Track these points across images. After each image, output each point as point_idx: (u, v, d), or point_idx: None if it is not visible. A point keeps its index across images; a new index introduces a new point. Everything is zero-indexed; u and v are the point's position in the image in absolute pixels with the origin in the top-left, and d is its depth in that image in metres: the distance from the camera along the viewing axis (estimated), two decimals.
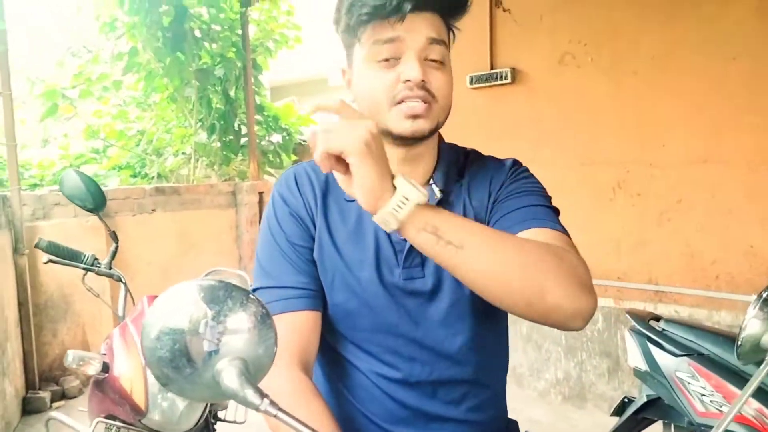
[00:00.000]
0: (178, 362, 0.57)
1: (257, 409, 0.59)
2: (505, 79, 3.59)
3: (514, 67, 3.58)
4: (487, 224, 0.98)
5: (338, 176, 0.80)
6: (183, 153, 5.37)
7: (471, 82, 3.72)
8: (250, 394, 0.58)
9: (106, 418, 1.67)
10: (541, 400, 3.59)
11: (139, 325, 1.70)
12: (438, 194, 1.00)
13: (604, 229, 3.33)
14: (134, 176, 5.75)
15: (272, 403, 0.58)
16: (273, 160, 5.76)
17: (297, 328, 0.96)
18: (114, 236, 1.91)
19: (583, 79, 3.34)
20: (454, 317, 1.01)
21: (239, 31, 5.23)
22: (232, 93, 5.34)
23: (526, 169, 1.07)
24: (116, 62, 5.00)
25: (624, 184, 3.25)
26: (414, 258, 0.99)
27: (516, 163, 1.08)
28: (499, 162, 1.08)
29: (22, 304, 3.56)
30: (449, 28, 0.98)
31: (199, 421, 1.67)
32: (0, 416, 3.00)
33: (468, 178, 1.05)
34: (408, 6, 0.87)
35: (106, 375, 1.68)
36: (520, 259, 0.80)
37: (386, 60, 0.91)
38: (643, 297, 3.24)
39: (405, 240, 0.94)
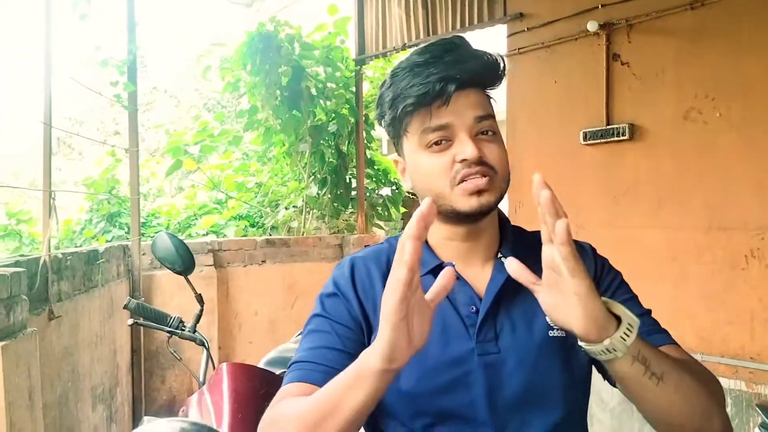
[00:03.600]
0: None
1: None
2: (623, 135, 3.35)
3: (633, 123, 3.33)
4: None
5: (548, 302, 0.79)
6: (294, 206, 5.52)
7: (585, 138, 3.52)
8: None
9: None
10: None
11: (215, 392, 1.67)
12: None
13: (735, 302, 2.95)
14: (252, 226, 5.98)
15: None
16: (382, 213, 5.77)
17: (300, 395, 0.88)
18: (200, 299, 1.92)
19: (711, 136, 3.03)
20: (534, 398, 0.92)
21: (353, 89, 5.36)
22: (344, 148, 5.45)
23: (607, 260, 1.06)
24: (238, 119, 5.28)
25: (759, 252, 2.88)
26: (488, 332, 0.94)
27: (595, 249, 1.07)
28: (578, 245, 1.01)
29: (135, 351, 3.73)
30: (489, 95, 0.99)
31: None
32: None
33: None
34: (452, 87, 0.89)
35: None
36: (698, 388, 0.82)
37: (438, 144, 0.93)
38: None
39: (476, 313, 0.95)
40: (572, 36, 3.60)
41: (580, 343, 0.78)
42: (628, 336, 0.75)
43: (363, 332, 0.97)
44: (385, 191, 5.84)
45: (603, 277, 1.01)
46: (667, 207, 3.19)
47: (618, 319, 0.77)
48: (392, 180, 5.91)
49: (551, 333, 0.95)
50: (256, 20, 5.15)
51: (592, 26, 3.42)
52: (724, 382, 3.00)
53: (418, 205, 0.95)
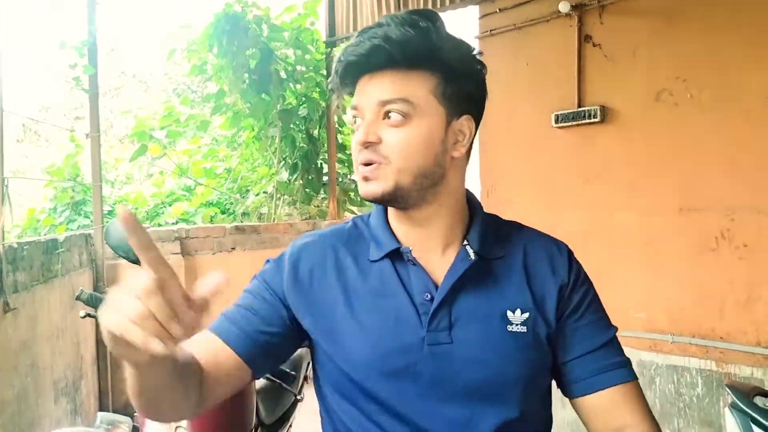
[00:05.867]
0: None
1: None
2: (594, 117, 3.31)
3: (604, 105, 3.31)
4: (555, 323, 0.94)
5: None
6: (265, 192, 5.42)
7: (557, 121, 3.48)
8: None
9: None
10: None
11: None
12: (472, 256, 0.92)
13: (705, 284, 2.96)
14: (223, 213, 5.87)
15: None
16: (354, 198, 5.70)
17: (209, 344, 0.91)
18: None
19: (682, 118, 3.02)
20: (485, 393, 0.89)
21: (324, 72, 5.25)
22: (315, 132, 5.36)
23: (582, 266, 1.01)
24: (205, 103, 5.16)
25: (729, 234, 2.88)
26: (441, 320, 0.90)
27: (571, 252, 1.01)
28: (554, 244, 1.01)
29: (100, 342, 3.62)
30: (447, 77, 0.91)
31: None
32: None
33: (519, 255, 0.97)
34: (352, 69, 0.90)
35: None
36: None
37: (354, 123, 0.92)
38: (751, 361, 2.84)
39: (430, 301, 0.91)
40: (544, 17, 3.55)
41: None
42: None
43: (285, 308, 0.96)
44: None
45: (575, 289, 0.97)
46: (640, 189, 3.18)
47: None
48: None
49: (510, 328, 0.92)
50: (225, 2, 5.01)
51: (564, 7, 3.37)
52: (695, 362, 3.01)
53: None
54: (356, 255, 0.98)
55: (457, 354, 0.89)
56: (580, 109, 3.39)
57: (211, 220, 5.39)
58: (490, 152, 3.84)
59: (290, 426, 2.36)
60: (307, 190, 5.40)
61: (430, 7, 4.22)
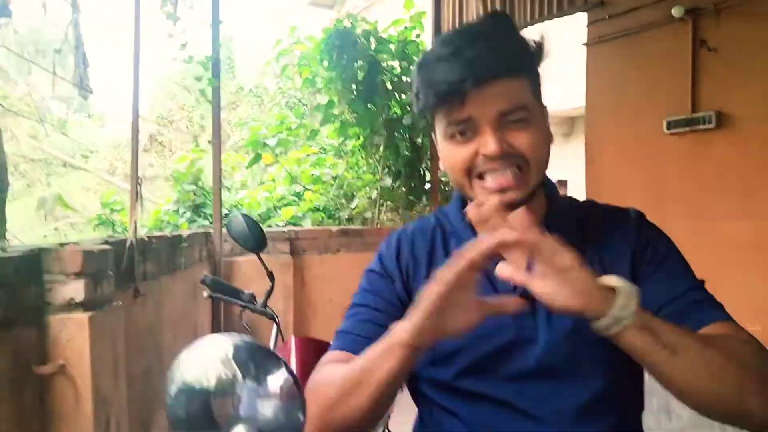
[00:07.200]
0: (195, 423, 0.53)
1: None
2: (709, 123, 3.20)
3: (720, 111, 3.18)
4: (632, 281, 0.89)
5: (545, 293, 0.75)
6: (369, 198, 5.59)
7: (668, 127, 3.39)
8: None
9: None
10: None
11: None
12: None
13: None
14: (329, 217, 6.12)
15: None
16: None
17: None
18: (271, 276, 2.00)
19: None
20: (596, 405, 0.89)
21: None
22: (418, 140, 5.47)
23: (656, 226, 1.00)
24: (315, 113, 5.42)
25: None
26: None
27: (643, 216, 1.01)
28: (623, 212, 1.00)
29: (215, 327, 3.90)
30: (536, 78, 0.93)
31: None
32: None
33: (592, 231, 0.97)
34: (468, 84, 0.84)
35: None
36: (724, 363, 0.76)
37: (462, 134, 0.90)
38: None
39: (513, 290, 0.90)
40: (656, 23, 3.47)
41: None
42: (626, 308, 0.73)
43: (406, 309, 0.95)
44: None
45: (648, 245, 0.95)
46: (756, 196, 3.03)
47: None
48: None
49: None
50: (336, 18, 5.26)
51: (677, 12, 3.29)
52: None
53: None
54: (443, 246, 1.02)
55: (539, 339, 0.91)
56: (694, 115, 3.28)
57: (319, 224, 5.62)
58: (597, 159, 3.79)
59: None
60: (409, 197, 5.52)
61: (536, 15, 4.23)
